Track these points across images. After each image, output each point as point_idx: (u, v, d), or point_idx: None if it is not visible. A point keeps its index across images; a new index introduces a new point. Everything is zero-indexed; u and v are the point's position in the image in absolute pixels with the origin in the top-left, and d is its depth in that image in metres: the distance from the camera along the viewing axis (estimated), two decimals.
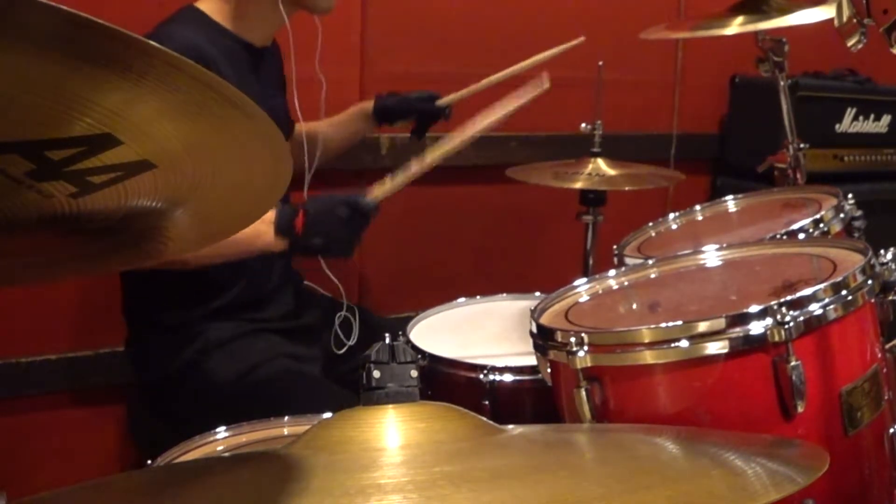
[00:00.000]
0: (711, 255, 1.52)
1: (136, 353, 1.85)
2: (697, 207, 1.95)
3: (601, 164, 2.10)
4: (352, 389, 1.70)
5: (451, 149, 1.65)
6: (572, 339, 1.19)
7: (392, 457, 0.70)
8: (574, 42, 1.82)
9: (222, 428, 1.40)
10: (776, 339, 1.11)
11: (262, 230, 1.57)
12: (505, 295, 2.01)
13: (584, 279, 1.51)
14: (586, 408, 1.18)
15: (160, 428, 1.78)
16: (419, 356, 1.61)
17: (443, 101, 2.06)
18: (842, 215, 1.57)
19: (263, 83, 1.79)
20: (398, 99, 2.10)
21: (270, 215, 1.58)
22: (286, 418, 1.44)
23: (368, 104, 2.10)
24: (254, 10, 1.71)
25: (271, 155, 0.66)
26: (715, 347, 1.12)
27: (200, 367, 1.73)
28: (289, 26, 1.73)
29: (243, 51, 1.72)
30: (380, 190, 1.61)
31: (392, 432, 0.73)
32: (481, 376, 1.56)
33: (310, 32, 1.84)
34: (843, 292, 1.16)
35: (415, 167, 1.62)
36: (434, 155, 1.64)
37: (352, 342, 1.86)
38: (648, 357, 1.16)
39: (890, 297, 1.27)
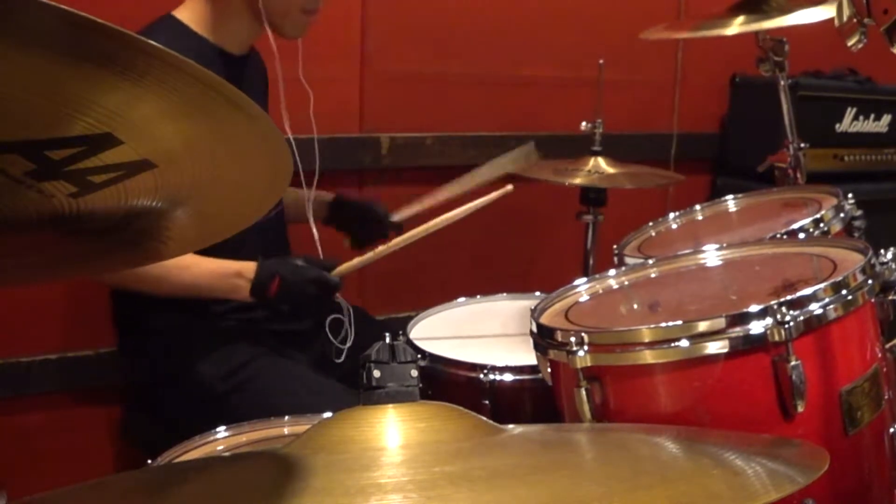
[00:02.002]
0: (711, 255, 1.52)
1: (127, 355, 1.85)
2: (697, 207, 1.95)
3: (602, 163, 2.10)
4: (350, 389, 1.71)
5: (414, 237, 1.74)
6: (572, 339, 1.19)
7: (392, 456, 0.70)
8: (503, 191, 1.80)
9: (222, 428, 1.40)
10: (776, 338, 1.11)
11: (240, 286, 1.67)
12: (505, 295, 2.01)
13: (584, 279, 1.51)
14: (586, 407, 1.18)
15: (159, 428, 1.78)
16: (419, 356, 1.61)
17: (397, 217, 2.01)
18: (842, 215, 1.57)
19: (243, 92, 1.77)
20: (358, 204, 2.05)
21: (249, 269, 1.66)
22: (286, 418, 1.44)
23: (327, 195, 2.03)
24: (233, 19, 1.72)
25: (271, 155, 0.66)
26: (715, 347, 1.12)
27: (191, 368, 1.73)
28: (271, 37, 1.73)
29: (221, 60, 1.72)
30: (345, 267, 1.71)
31: (392, 432, 0.73)
32: (481, 376, 1.56)
33: (309, 39, 1.83)
34: (843, 292, 1.16)
35: (380, 248, 1.74)
36: (399, 241, 1.75)
37: (347, 345, 1.86)
38: (648, 357, 1.16)
39: (890, 297, 1.27)
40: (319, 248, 1.77)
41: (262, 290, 1.66)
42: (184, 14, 1.72)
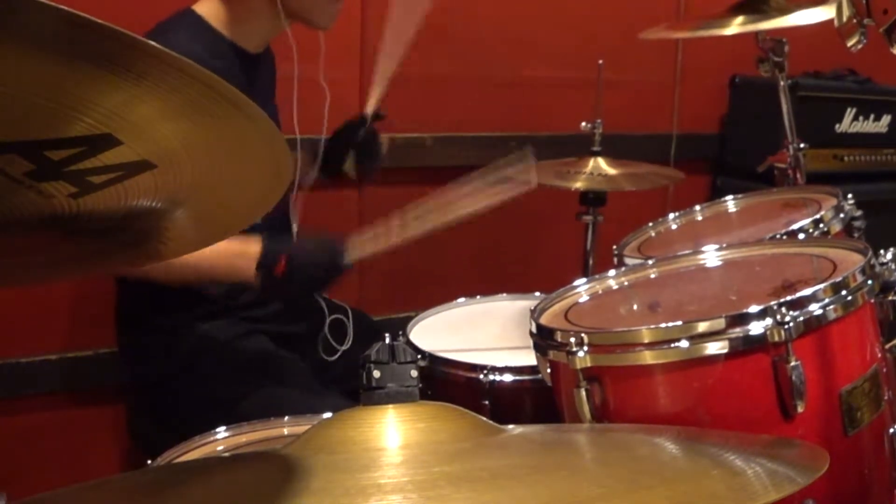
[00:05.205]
0: (711, 255, 1.52)
1: (127, 354, 1.85)
2: (697, 207, 1.95)
3: (602, 164, 2.11)
4: (344, 393, 1.71)
5: (431, 224, 1.62)
6: (572, 339, 1.19)
7: (392, 457, 0.70)
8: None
9: (222, 428, 1.40)
10: (776, 339, 1.11)
11: (243, 267, 1.58)
12: (505, 295, 2.01)
13: (584, 279, 1.51)
14: (586, 408, 1.18)
15: (160, 428, 1.78)
16: (419, 356, 1.61)
17: (369, 109, 1.92)
18: (842, 215, 1.57)
19: (257, 91, 1.78)
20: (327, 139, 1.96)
21: (253, 251, 1.58)
22: (286, 418, 1.44)
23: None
24: (254, 17, 1.71)
25: (271, 155, 0.66)
26: (715, 347, 1.12)
27: (192, 368, 1.73)
28: (290, 35, 1.73)
29: (238, 58, 1.71)
30: (359, 251, 1.62)
31: (392, 432, 0.73)
32: (481, 376, 1.56)
33: (313, 39, 1.83)
34: (843, 292, 1.16)
35: (394, 229, 1.62)
36: (415, 226, 1.63)
37: (346, 346, 1.86)
38: (648, 357, 1.16)
39: (890, 297, 1.27)
40: None
41: (268, 271, 1.57)
42: (203, 9, 1.70)
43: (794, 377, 1.10)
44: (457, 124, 2.53)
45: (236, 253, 1.59)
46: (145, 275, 1.65)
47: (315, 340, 1.87)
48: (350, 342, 1.86)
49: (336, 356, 1.86)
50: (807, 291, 1.15)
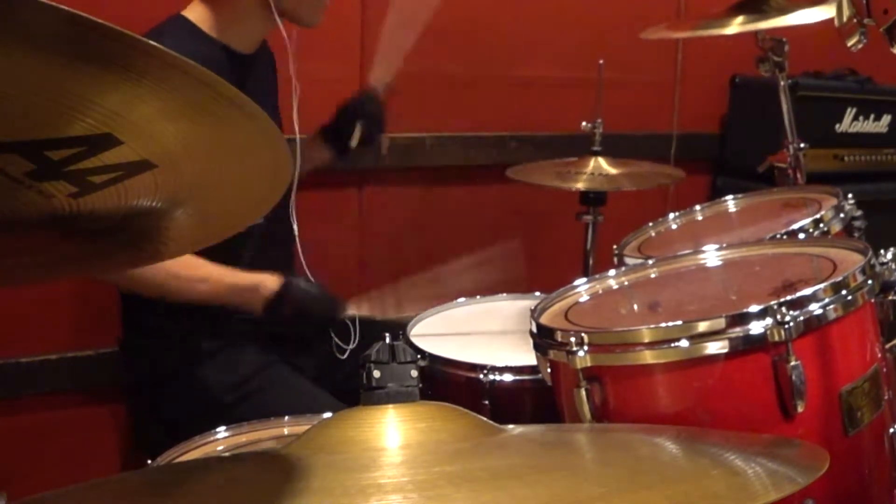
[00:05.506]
0: (711, 255, 1.52)
1: (128, 355, 1.85)
2: (697, 207, 1.95)
3: (602, 163, 2.11)
4: (347, 399, 1.71)
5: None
6: (572, 339, 1.19)
7: (392, 457, 0.70)
8: None
9: (222, 428, 1.40)
10: (776, 338, 1.11)
11: (254, 300, 1.67)
12: (505, 295, 2.01)
13: (584, 279, 1.51)
14: (586, 408, 1.18)
15: (160, 428, 1.78)
16: (419, 356, 1.61)
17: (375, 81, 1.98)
18: (842, 215, 1.57)
19: (251, 92, 1.76)
20: (351, 107, 2.01)
21: (266, 286, 1.66)
22: (286, 418, 1.44)
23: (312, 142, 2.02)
24: (243, 17, 1.71)
25: (271, 155, 0.66)
26: (715, 347, 1.13)
27: (192, 371, 1.73)
28: (284, 32, 1.73)
29: (230, 60, 1.71)
30: (355, 310, 1.77)
31: (392, 432, 0.73)
32: (481, 376, 1.56)
33: (311, 38, 1.83)
34: (843, 292, 1.17)
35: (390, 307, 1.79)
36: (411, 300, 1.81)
37: (352, 345, 1.86)
38: (648, 357, 1.16)
39: (890, 297, 1.27)
40: (305, 264, 1.78)
41: (277, 311, 1.66)
42: (193, 14, 1.71)
43: (794, 377, 1.10)
44: (457, 124, 2.53)
45: (250, 287, 1.67)
46: (158, 294, 1.68)
47: (318, 342, 1.87)
48: (356, 343, 1.87)
49: (344, 357, 1.86)
50: (807, 291, 1.15)
